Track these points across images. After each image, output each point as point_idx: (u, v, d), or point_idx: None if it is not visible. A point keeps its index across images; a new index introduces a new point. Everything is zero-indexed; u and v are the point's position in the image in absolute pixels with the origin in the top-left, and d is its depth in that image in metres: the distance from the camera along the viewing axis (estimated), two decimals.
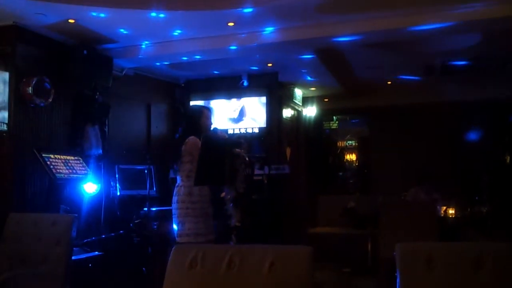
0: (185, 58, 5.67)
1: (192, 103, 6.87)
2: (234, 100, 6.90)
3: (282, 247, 1.91)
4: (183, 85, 7.21)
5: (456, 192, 6.31)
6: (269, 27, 4.84)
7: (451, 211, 5.56)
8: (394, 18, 4.48)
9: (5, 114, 4.47)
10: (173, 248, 2.04)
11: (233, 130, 6.80)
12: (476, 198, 5.94)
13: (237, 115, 6.86)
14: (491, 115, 8.11)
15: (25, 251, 3.35)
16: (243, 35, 5.01)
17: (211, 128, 3.91)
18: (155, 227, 4.86)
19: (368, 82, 7.67)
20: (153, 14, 4.38)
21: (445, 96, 7.90)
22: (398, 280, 1.78)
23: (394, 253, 1.78)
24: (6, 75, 4.52)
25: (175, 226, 3.69)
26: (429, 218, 4.83)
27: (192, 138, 3.73)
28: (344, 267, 5.85)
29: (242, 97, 6.87)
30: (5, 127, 4.48)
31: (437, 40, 5.31)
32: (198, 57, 5.64)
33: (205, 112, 3.94)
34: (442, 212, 5.47)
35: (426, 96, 8.03)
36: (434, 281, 1.76)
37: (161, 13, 4.38)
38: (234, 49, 5.22)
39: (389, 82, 7.79)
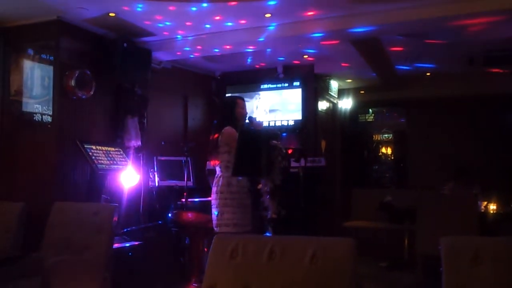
0: (220, 50, 5.69)
1: (227, 95, 6.91)
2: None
3: (323, 239, 1.88)
4: (219, 77, 7.27)
5: (497, 188, 6.10)
6: (305, 18, 4.80)
7: (492, 207, 5.39)
8: (435, 8, 4.35)
9: (49, 106, 4.64)
10: (214, 238, 2.07)
11: (268, 122, 6.80)
12: None
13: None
14: None
15: (69, 238, 3.47)
16: (279, 26, 4.98)
17: (246, 118, 3.90)
18: (192, 217, 4.93)
19: (406, 73, 7.49)
20: (192, 7, 4.42)
21: (487, 87, 7.62)
22: (442, 275, 1.74)
23: (440, 247, 1.75)
24: (50, 68, 4.69)
25: (214, 216, 3.73)
26: (469, 213, 4.70)
27: (227, 128, 3.73)
28: (380, 261, 5.80)
29: (278, 89, 6.86)
30: (49, 119, 4.64)
31: (480, 29, 5.12)
32: (234, 49, 5.65)
33: (239, 102, 3.92)
34: (483, 207, 5.31)
35: (467, 88, 7.76)
36: (481, 276, 1.72)
37: (199, 6, 4.41)
38: (270, 40, 5.20)
39: (428, 73, 7.59)
